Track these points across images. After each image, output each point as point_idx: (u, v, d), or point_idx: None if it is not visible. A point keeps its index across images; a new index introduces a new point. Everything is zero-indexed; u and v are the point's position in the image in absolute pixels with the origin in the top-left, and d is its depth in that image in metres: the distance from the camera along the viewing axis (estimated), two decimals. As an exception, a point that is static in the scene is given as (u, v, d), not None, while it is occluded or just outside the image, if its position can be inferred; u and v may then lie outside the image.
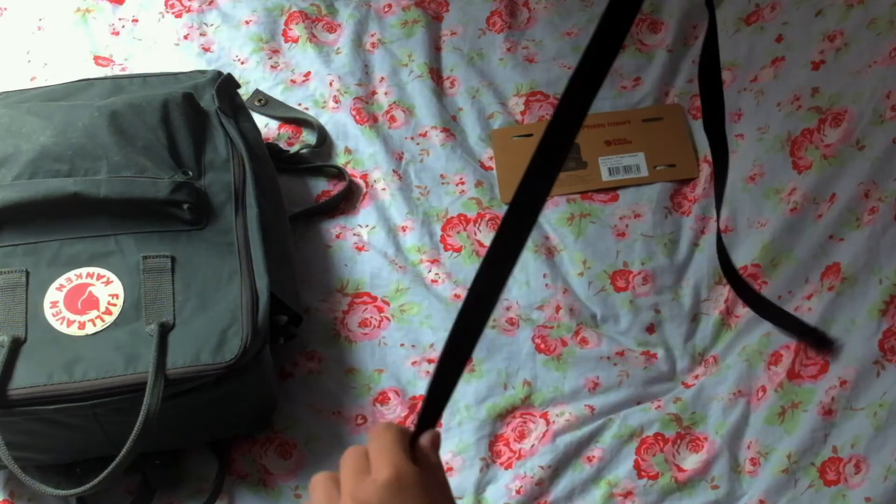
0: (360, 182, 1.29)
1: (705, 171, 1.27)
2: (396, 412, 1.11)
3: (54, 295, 1.01)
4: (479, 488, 1.07)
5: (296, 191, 1.29)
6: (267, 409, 1.09)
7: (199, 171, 1.10)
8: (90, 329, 0.99)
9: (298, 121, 1.35)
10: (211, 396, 1.00)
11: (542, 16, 1.45)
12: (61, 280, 1.02)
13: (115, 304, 1.01)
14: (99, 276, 1.02)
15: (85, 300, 1.01)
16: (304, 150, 1.31)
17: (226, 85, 1.21)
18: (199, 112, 1.15)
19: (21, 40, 1.42)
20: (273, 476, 1.07)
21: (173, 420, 0.99)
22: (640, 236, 1.23)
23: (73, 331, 0.99)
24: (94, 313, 1.00)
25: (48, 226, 1.04)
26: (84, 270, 1.03)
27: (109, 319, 1.00)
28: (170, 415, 0.97)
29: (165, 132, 1.10)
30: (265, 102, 1.36)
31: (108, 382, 0.96)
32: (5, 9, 1.45)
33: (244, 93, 1.34)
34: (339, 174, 1.30)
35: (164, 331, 0.99)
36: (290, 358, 1.15)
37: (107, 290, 1.02)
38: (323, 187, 1.30)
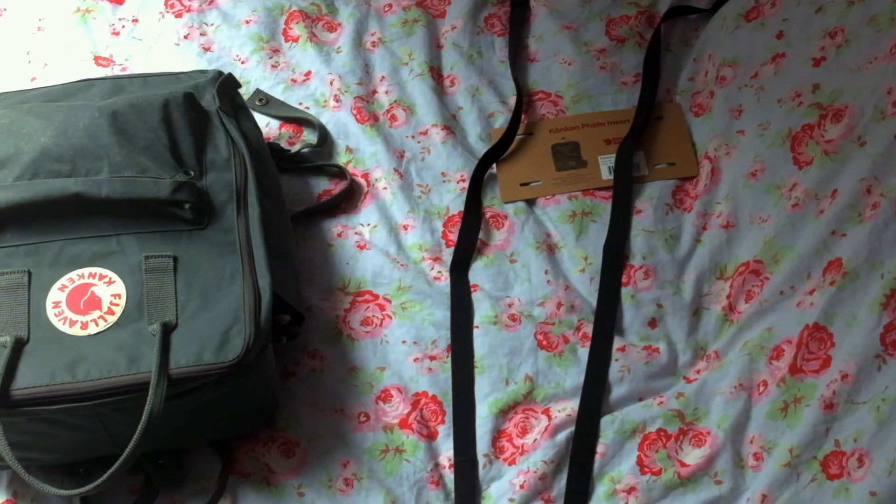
0: (362, 181, 1.29)
1: (706, 167, 1.27)
2: (399, 410, 1.11)
3: (56, 295, 1.01)
4: (484, 484, 1.07)
5: (297, 190, 1.29)
6: (270, 407, 1.09)
7: (201, 171, 1.10)
8: (93, 329, 0.99)
9: (299, 120, 1.35)
10: (214, 396, 1.00)
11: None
12: (63, 280, 1.02)
13: (117, 305, 1.01)
14: (101, 276, 1.02)
15: (87, 300, 1.01)
16: (305, 150, 1.31)
17: (227, 84, 1.21)
18: (200, 112, 1.15)
19: (21, 40, 1.42)
20: (276, 475, 1.07)
21: (176, 419, 0.99)
22: (641, 232, 1.24)
23: (76, 331, 0.99)
24: (96, 313, 1.00)
25: (50, 226, 1.04)
26: (86, 270, 1.02)
27: (112, 319, 1.00)
28: (173, 414, 0.97)
29: (167, 132, 1.10)
30: (266, 102, 1.36)
31: (110, 382, 0.96)
32: (5, 9, 1.45)
33: (245, 92, 1.34)
34: (340, 173, 1.30)
35: (167, 330, 0.99)
36: (293, 357, 1.15)
37: (109, 290, 1.02)
38: (324, 186, 1.30)
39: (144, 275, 1.02)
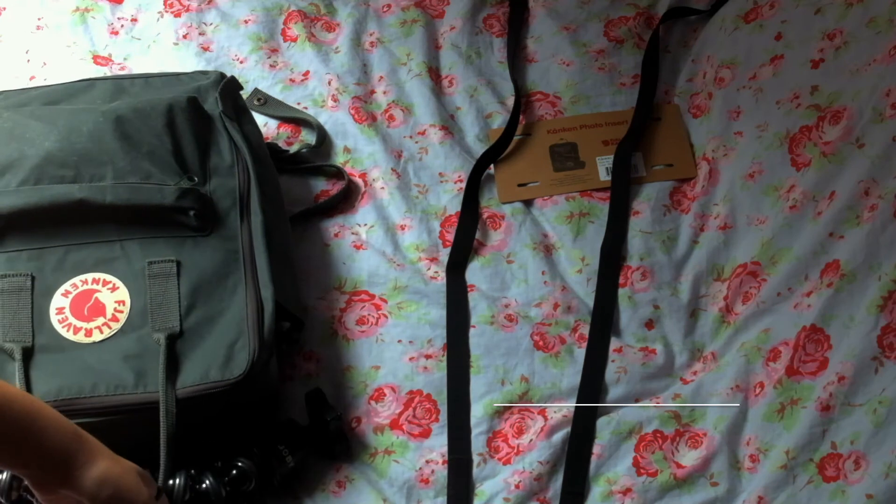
0: (359, 181, 1.29)
1: (704, 168, 1.27)
2: (391, 409, 1.11)
3: (60, 301, 1.01)
4: (477, 482, 1.06)
5: (295, 190, 1.29)
6: (269, 411, 1.08)
7: (204, 177, 1.10)
8: (97, 336, 0.99)
9: (297, 120, 1.35)
10: (218, 409, 1.00)
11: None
12: (67, 286, 1.01)
13: (121, 311, 1.00)
14: (105, 283, 1.02)
15: (91, 307, 1.00)
16: (303, 150, 1.31)
17: (229, 87, 1.20)
18: (204, 116, 1.14)
19: (20, 39, 1.42)
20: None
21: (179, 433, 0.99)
22: (638, 233, 1.23)
23: (80, 338, 0.99)
24: (100, 320, 1.00)
25: (53, 232, 1.04)
26: (90, 276, 1.02)
27: (116, 326, 1.00)
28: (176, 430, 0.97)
29: (170, 137, 1.10)
30: (264, 102, 1.36)
31: (117, 400, 0.96)
32: (4, 8, 1.45)
33: (243, 92, 1.34)
34: (338, 173, 1.30)
35: (171, 342, 0.99)
36: (289, 360, 1.14)
37: (113, 296, 1.01)
38: (322, 186, 1.30)
39: (148, 280, 1.02)
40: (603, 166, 1.30)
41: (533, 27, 1.45)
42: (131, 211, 1.05)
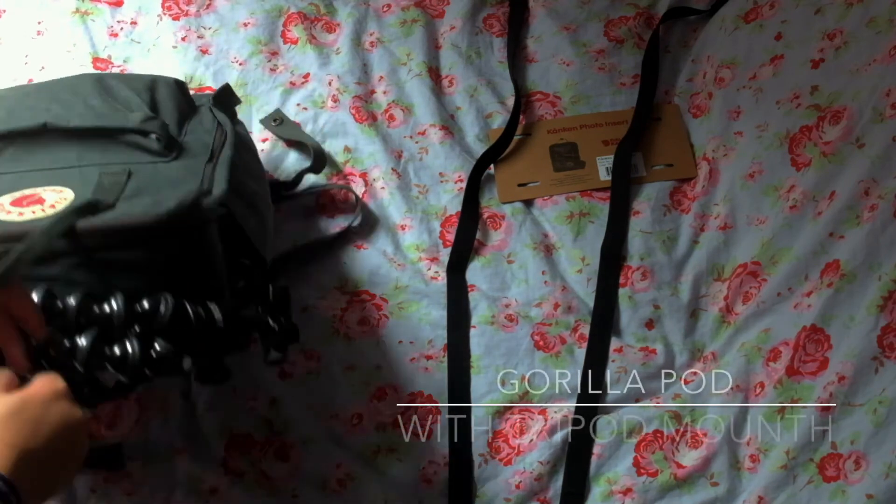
0: (360, 181, 1.29)
1: (704, 168, 1.27)
2: (393, 409, 1.11)
3: (1, 200, 0.96)
4: (479, 483, 1.07)
5: (300, 224, 1.26)
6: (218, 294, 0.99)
7: (179, 132, 1.06)
8: (28, 216, 0.93)
9: (303, 146, 1.33)
10: (157, 257, 0.93)
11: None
12: (15, 194, 0.96)
13: (61, 202, 0.95)
14: (54, 190, 0.97)
15: (31, 200, 0.95)
16: (303, 172, 1.27)
17: (225, 91, 1.19)
18: (189, 99, 1.12)
19: (20, 42, 1.42)
20: (271, 478, 1.07)
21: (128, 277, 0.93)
22: (638, 233, 1.24)
23: (12, 217, 0.93)
24: (37, 207, 0.94)
25: (16, 158, 1.01)
26: (39, 188, 0.97)
27: (52, 211, 0.94)
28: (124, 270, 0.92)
29: (149, 98, 1.08)
30: (280, 122, 1.34)
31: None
32: (4, 11, 1.45)
33: (242, 94, 1.34)
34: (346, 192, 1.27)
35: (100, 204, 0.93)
36: (289, 358, 1.14)
37: (57, 195, 0.96)
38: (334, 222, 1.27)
39: (96, 186, 0.97)
40: (603, 166, 1.30)
41: (533, 27, 1.45)
42: (94, 134, 1.02)
